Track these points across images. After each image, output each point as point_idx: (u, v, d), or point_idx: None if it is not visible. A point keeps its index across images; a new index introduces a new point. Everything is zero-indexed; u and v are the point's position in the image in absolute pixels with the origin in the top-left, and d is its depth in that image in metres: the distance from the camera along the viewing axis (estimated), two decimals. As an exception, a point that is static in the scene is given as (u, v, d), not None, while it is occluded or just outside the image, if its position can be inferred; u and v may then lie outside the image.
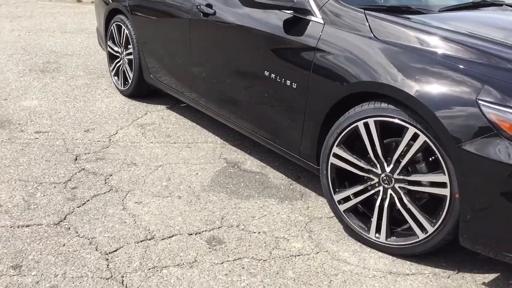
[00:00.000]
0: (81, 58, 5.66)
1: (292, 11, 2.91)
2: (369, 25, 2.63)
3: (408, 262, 2.56)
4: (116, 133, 3.88)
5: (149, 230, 2.70)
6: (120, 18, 4.46)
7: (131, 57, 4.39)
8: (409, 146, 2.42)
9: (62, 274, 2.32)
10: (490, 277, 2.49)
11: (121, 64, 4.59)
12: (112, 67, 4.75)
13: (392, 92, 2.41)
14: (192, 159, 3.54)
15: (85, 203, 2.92)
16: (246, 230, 2.76)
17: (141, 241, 2.61)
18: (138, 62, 4.32)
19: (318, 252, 2.60)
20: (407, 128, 2.40)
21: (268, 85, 3.03)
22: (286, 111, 2.98)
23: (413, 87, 2.33)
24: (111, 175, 3.25)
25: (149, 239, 2.63)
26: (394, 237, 2.57)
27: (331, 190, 2.75)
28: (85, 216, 2.80)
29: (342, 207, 2.72)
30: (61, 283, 2.27)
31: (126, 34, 4.38)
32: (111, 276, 2.34)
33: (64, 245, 2.55)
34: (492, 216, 2.22)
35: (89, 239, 2.60)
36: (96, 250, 2.52)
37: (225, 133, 3.94)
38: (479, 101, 2.17)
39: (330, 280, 2.39)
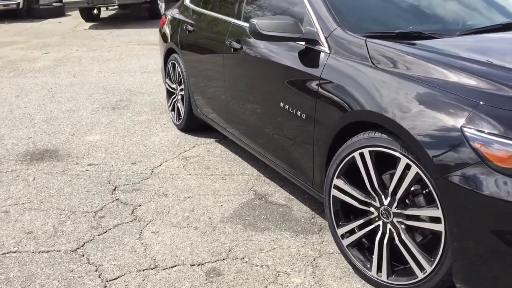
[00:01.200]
0: (151, 96, 5.98)
1: (304, 42, 2.90)
2: (368, 53, 2.54)
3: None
4: (160, 165, 4.04)
5: (155, 259, 2.77)
6: (174, 57, 4.69)
7: (183, 93, 4.59)
8: (403, 177, 2.28)
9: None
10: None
11: (176, 99, 4.81)
12: (169, 102, 4.99)
13: (382, 121, 2.31)
14: (222, 190, 3.58)
15: (106, 231, 3.06)
16: (249, 263, 2.73)
17: (143, 270, 2.68)
18: (188, 98, 4.50)
19: (314, 289, 2.50)
20: (400, 159, 2.26)
21: (284, 116, 3.02)
22: (299, 142, 2.94)
23: (401, 116, 2.21)
24: (140, 205, 3.39)
25: (152, 268, 2.69)
26: (396, 276, 2.40)
27: (334, 223, 2.65)
28: (101, 244, 2.93)
29: (345, 242, 2.60)
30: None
31: (179, 71, 4.59)
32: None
33: (71, 271, 2.68)
34: (483, 257, 2.00)
35: (96, 266, 2.72)
36: (99, 277, 2.62)
37: (263, 165, 3.94)
38: (464, 128, 2.00)
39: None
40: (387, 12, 3.09)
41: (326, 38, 2.77)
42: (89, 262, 2.76)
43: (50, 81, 6.82)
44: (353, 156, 2.46)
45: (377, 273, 2.45)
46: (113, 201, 3.45)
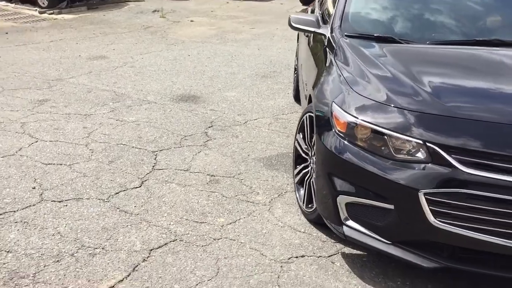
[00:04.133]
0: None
1: (319, 34, 3.91)
2: (336, 48, 3.49)
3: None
4: (255, 120, 5.38)
5: (205, 169, 4.18)
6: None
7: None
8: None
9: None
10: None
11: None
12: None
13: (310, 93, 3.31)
14: (279, 144, 4.78)
15: (180, 147, 4.58)
16: (243, 183, 3.95)
17: (183, 171, 4.11)
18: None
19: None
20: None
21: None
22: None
23: (314, 91, 3.20)
24: (215, 139, 4.81)
25: (195, 172, 4.11)
26: (308, 205, 3.39)
27: (293, 166, 3.69)
28: (169, 152, 4.46)
29: (295, 180, 3.63)
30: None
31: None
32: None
33: (143, 159, 4.27)
34: (323, 190, 2.94)
35: (163, 164, 4.25)
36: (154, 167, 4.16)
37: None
38: (333, 103, 2.93)
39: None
40: (383, 18, 3.86)
41: (330, 33, 3.75)
42: (155, 159, 4.30)
43: (238, 50, 8.60)
44: (303, 118, 3.48)
45: (303, 203, 3.46)
46: (200, 133, 4.93)
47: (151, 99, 5.90)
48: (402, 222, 2.67)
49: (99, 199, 3.61)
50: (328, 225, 3.02)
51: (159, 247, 3.10)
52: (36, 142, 4.53)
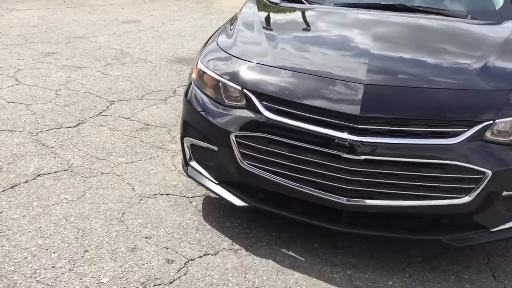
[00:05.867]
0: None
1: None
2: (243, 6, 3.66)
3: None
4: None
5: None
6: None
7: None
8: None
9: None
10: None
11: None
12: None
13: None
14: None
15: (143, 99, 4.95)
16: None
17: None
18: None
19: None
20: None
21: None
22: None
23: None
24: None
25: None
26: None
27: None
28: (122, 103, 4.84)
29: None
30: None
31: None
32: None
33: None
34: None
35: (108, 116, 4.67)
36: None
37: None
38: (200, 57, 3.12)
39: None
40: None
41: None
42: (108, 107, 4.70)
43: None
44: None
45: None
46: (169, 90, 5.25)
47: (150, 59, 6.31)
48: (223, 163, 2.83)
49: (29, 132, 4.07)
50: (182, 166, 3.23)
51: (48, 173, 3.49)
52: (17, 85, 5.10)
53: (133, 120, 4.43)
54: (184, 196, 3.31)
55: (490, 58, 2.85)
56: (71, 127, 4.23)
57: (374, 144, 2.46)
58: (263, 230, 3.03)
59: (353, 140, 2.46)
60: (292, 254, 2.84)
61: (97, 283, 2.51)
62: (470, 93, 2.60)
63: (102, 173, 3.53)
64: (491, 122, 2.49)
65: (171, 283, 2.55)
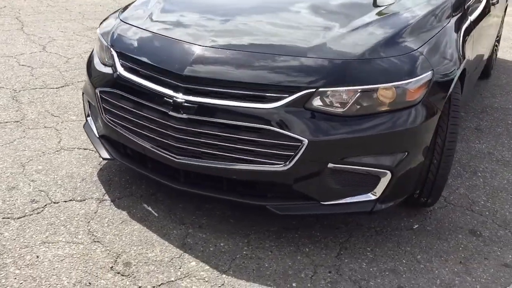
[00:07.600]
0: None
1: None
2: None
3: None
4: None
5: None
6: None
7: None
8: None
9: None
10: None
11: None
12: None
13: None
14: None
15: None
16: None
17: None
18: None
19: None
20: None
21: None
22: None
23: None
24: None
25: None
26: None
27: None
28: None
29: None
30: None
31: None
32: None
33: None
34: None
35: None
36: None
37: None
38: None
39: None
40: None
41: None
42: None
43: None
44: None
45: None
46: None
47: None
48: (97, 118, 3.03)
49: (13, 89, 4.56)
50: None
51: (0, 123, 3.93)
52: (40, 52, 5.67)
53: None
54: (88, 149, 3.55)
55: (334, 28, 2.75)
56: (53, 88, 4.66)
57: (197, 104, 2.50)
58: (143, 187, 3.17)
59: (177, 98, 2.52)
60: (151, 210, 2.95)
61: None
62: (295, 60, 2.52)
63: (44, 127, 3.89)
64: (313, 90, 2.40)
65: (19, 218, 2.81)
